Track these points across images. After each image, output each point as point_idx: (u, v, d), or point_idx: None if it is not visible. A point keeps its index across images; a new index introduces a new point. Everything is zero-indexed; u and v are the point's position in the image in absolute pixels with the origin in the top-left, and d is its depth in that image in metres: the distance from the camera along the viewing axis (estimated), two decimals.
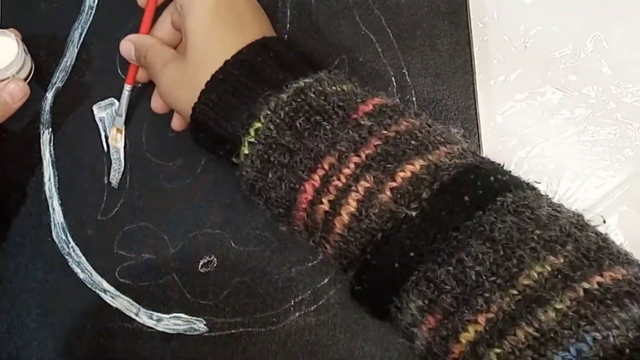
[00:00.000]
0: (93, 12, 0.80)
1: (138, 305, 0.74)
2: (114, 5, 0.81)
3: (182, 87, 0.66)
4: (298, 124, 0.58)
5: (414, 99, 0.74)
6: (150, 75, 0.71)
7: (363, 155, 0.55)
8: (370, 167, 0.55)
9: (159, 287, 0.75)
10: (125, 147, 0.77)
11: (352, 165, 0.55)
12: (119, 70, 0.79)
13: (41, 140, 0.78)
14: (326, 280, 0.74)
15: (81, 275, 0.76)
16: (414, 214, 0.52)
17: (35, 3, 0.81)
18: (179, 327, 0.74)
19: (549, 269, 0.48)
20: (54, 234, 0.76)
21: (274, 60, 0.64)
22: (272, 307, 0.74)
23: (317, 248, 0.60)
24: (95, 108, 0.78)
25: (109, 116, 0.77)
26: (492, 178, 0.53)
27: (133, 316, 0.74)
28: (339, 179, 0.56)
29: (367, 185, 0.55)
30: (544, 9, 0.76)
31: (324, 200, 0.57)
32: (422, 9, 0.76)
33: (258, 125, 0.59)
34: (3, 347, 0.75)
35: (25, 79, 0.76)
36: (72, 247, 0.76)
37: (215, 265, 0.75)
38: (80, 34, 0.80)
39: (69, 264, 0.76)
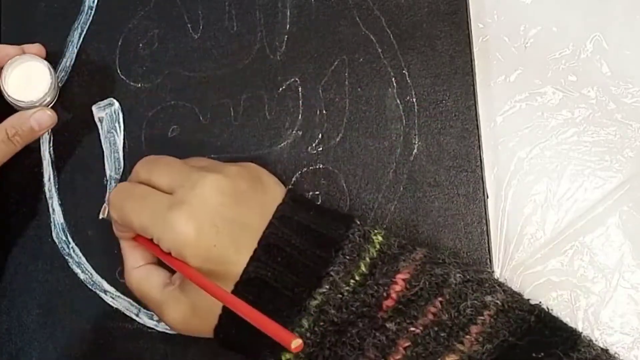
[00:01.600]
0: (93, 12, 0.81)
1: (138, 306, 0.76)
2: (114, 5, 0.81)
3: (197, 321, 0.65)
4: (326, 343, 0.59)
5: (414, 99, 0.75)
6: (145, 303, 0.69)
7: None
8: None
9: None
10: (124, 148, 0.79)
11: None
12: (119, 71, 0.80)
13: (41, 141, 0.79)
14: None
15: (81, 276, 0.77)
16: None
17: (34, 3, 0.82)
18: None
19: None
20: (54, 234, 0.78)
21: (285, 266, 0.62)
22: None
23: None
24: (94, 108, 0.79)
25: (108, 116, 0.79)
26: None
27: (133, 317, 0.76)
28: None
29: None
30: (544, 9, 0.77)
31: None
32: (422, 10, 0.77)
33: (288, 355, 0.60)
34: (3, 347, 0.76)
35: (51, 104, 0.78)
36: (72, 247, 0.77)
37: None
38: (80, 34, 0.81)
39: (69, 264, 0.77)
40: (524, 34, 0.77)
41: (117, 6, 0.81)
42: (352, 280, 0.60)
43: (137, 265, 0.69)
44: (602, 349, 0.56)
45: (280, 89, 0.77)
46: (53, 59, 0.79)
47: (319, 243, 0.63)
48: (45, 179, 0.79)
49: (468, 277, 0.60)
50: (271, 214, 0.64)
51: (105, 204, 0.72)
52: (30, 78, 0.75)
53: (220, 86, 0.78)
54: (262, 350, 0.61)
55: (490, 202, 0.75)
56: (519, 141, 0.76)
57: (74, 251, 0.77)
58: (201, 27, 0.79)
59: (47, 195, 0.79)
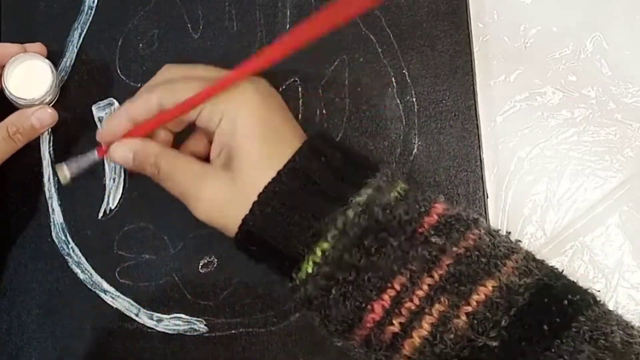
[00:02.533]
0: (92, 12, 0.82)
1: (138, 306, 0.77)
2: (114, 5, 0.82)
3: (231, 205, 0.64)
4: (366, 243, 0.58)
5: (414, 99, 0.76)
6: (171, 188, 0.68)
7: (436, 276, 0.56)
8: (445, 289, 0.56)
9: (159, 287, 0.77)
10: None
11: (425, 287, 0.56)
12: (119, 71, 0.81)
13: (40, 140, 0.79)
14: None
15: (81, 276, 0.78)
16: (494, 343, 0.54)
17: (34, 3, 0.82)
18: (179, 327, 0.76)
19: None
20: (53, 234, 0.78)
21: (328, 166, 0.62)
22: (272, 308, 0.76)
23: None
24: (94, 108, 0.80)
25: (108, 116, 0.80)
26: (565, 301, 0.55)
27: (133, 317, 0.77)
28: (411, 301, 0.56)
29: (442, 309, 0.55)
30: (543, 9, 0.78)
31: (394, 321, 0.57)
32: (422, 10, 0.78)
33: (325, 245, 0.59)
34: (3, 347, 0.77)
35: (51, 101, 0.79)
36: (71, 247, 0.78)
37: (215, 265, 0.77)
38: (80, 35, 0.81)
39: (69, 264, 0.78)
40: (524, 34, 0.78)
41: (117, 6, 0.82)
42: (394, 192, 0.61)
43: (164, 145, 0.70)
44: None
45: (280, 89, 0.78)
46: (53, 59, 0.79)
47: (356, 164, 0.64)
48: (45, 179, 0.79)
49: (493, 229, 0.62)
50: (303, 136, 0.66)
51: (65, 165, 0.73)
52: (32, 76, 0.76)
53: None
54: (291, 247, 0.61)
55: (490, 202, 0.76)
56: (519, 141, 0.77)
57: (73, 251, 0.78)
58: (201, 27, 0.80)
59: (47, 195, 0.79)
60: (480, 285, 0.56)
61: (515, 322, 0.54)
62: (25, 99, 0.75)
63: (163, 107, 0.67)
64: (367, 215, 0.59)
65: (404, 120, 0.76)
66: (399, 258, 0.57)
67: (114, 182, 0.79)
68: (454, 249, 0.57)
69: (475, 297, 0.55)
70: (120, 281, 0.77)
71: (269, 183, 0.61)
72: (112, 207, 0.79)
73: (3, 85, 0.75)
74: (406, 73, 0.77)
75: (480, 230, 0.59)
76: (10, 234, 0.79)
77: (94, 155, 0.72)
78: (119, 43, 0.81)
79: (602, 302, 0.57)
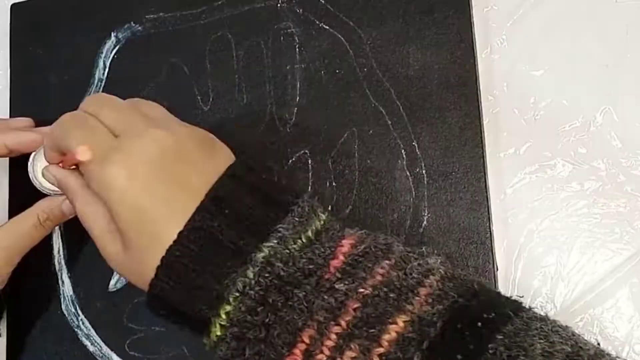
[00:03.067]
0: (102, 84, 0.83)
1: None
2: (124, 77, 0.84)
3: (134, 272, 0.63)
4: (270, 300, 0.57)
5: (423, 171, 0.77)
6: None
7: (344, 324, 0.55)
8: (353, 335, 0.55)
9: None
10: None
11: (333, 336, 0.55)
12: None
13: None
14: None
15: (91, 348, 0.79)
16: None
17: (45, 75, 0.84)
18: None
19: None
20: (63, 306, 0.80)
21: (231, 220, 0.61)
22: None
23: None
24: None
25: None
26: (479, 323, 0.54)
27: None
28: (322, 352, 0.56)
29: (353, 355, 0.54)
30: (553, 81, 0.78)
31: None
32: (431, 82, 0.78)
33: (228, 308, 0.59)
34: None
35: None
36: (81, 319, 0.79)
37: None
38: None
39: (79, 336, 0.79)
40: (533, 106, 0.78)
41: (126, 78, 0.84)
42: (299, 240, 0.60)
43: (83, 184, 0.69)
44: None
45: (290, 161, 0.79)
46: None
47: (268, 204, 0.62)
48: (55, 251, 0.81)
49: (409, 248, 0.61)
50: (217, 177, 0.63)
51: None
52: None
53: None
54: (198, 311, 0.60)
55: (500, 274, 0.76)
56: (529, 213, 0.77)
57: (83, 323, 0.79)
58: (211, 99, 0.81)
59: (57, 268, 0.81)
60: (391, 323, 0.55)
61: (428, 356, 0.53)
62: (55, 191, 0.75)
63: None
64: (268, 273, 0.58)
65: (413, 193, 0.77)
66: (304, 309, 0.57)
67: None
68: (360, 290, 0.57)
69: (386, 336, 0.54)
70: (130, 354, 0.78)
71: (170, 247, 0.59)
72: (122, 279, 0.79)
73: (31, 175, 0.76)
74: (416, 145, 0.77)
75: (390, 261, 0.58)
76: (20, 306, 0.80)
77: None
78: None
79: (526, 309, 0.57)
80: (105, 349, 0.79)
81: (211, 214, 0.60)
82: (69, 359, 0.79)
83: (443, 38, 0.78)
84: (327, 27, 0.81)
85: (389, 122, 0.78)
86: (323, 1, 0.80)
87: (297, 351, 0.57)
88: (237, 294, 0.58)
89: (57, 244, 0.81)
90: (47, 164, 0.73)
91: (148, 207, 0.61)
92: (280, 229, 0.60)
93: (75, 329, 0.79)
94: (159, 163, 0.62)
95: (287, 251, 0.59)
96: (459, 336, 0.54)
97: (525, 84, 0.79)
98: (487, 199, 0.76)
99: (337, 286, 0.57)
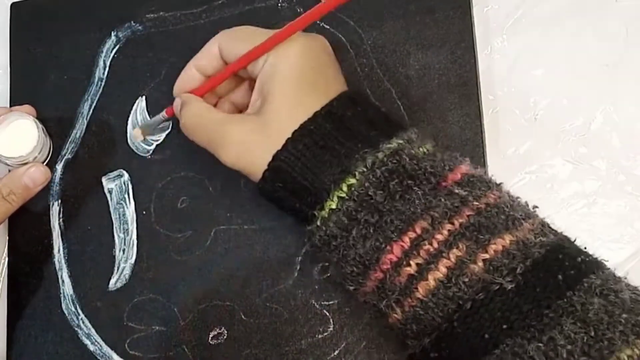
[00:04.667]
0: (103, 84, 0.84)
1: None
2: (124, 77, 0.85)
3: (260, 145, 0.66)
4: (391, 185, 0.61)
5: None
6: (195, 139, 0.72)
7: (457, 223, 0.59)
8: (464, 235, 0.59)
9: (169, 359, 0.79)
10: (134, 219, 0.81)
11: (445, 232, 0.59)
12: (129, 142, 0.83)
13: (50, 212, 0.82)
14: (336, 352, 0.76)
15: (91, 347, 0.79)
16: (509, 286, 0.56)
17: (45, 75, 0.85)
18: None
19: (638, 352, 0.53)
20: (63, 305, 0.80)
21: (362, 116, 0.66)
22: None
23: (380, 312, 0.63)
24: (104, 180, 0.82)
25: (117, 187, 0.81)
26: (578, 259, 0.58)
27: None
28: (430, 244, 0.59)
29: (459, 253, 0.58)
30: (554, 81, 0.79)
31: (411, 262, 0.60)
32: (432, 82, 0.79)
33: (352, 181, 0.62)
34: None
35: (44, 160, 0.81)
36: (81, 319, 0.80)
37: (225, 337, 0.78)
38: (90, 106, 0.84)
39: (79, 335, 0.80)
40: (534, 105, 0.79)
41: (127, 78, 0.85)
42: (422, 148, 0.64)
43: (200, 100, 0.73)
44: None
45: None
46: (63, 130, 0.82)
47: (390, 119, 0.69)
48: (55, 251, 0.82)
49: (514, 195, 0.65)
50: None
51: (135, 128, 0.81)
52: (18, 135, 0.78)
53: None
54: (319, 182, 0.64)
55: None
56: None
57: (83, 322, 0.80)
58: None
59: (57, 267, 0.81)
60: (498, 237, 0.58)
61: (530, 270, 0.57)
62: (13, 158, 0.77)
63: (223, 53, 0.72)
64: (396, 160, 0.62)
65: None
66: (421, 204, 0.60)
67: (123, 253, 0.81)
68: (475, 203, 0.60)
69: (492, 246, 0.58)
70: (130, 353, 0.79)
71: (304, 122, 0.65)
72: (122, 279, 0.81)
73: None
74: None
75: (501, 192, 0.62)
76: (20, 306, 0.81)
77: (162, 114, 0.77)
78: (129, 115, 0.83)
79: (613, 270, 0.60)
80: (105, 348, 0.79)
81: (345, 106, 0.67)
82: (69, 358, 0.80)
83: (443, 38, 0.80)
84: (327, 27, 0.82)
85: None
86: (323, 1, 0.81)
87: (405, 238, 0.60)
88: (365, 169, 0.62)
89: (57, 243, 0.81)
90: (6, 135, 0.77)
91: (311, 79, 0.67)
92: (405, 135, 0.65)
93: (76, 329, 0.80)
94: (311, 58, 0.69)
95: (413, 151, 0.63)
96: (560, 263, 0.58)
97: (525, 83, 0.80)
98: None
99: (456, 191, 0.61)
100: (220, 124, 0.69)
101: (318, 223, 0.64)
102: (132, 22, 0.86)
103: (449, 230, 0.59)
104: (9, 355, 0.81)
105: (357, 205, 0.61)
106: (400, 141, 0.63)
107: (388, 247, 0.60)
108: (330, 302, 0.77)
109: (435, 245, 0.59)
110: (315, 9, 0.66)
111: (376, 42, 0.81)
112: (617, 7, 0.80)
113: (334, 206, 0.62)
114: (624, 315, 0.54)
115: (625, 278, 0.60)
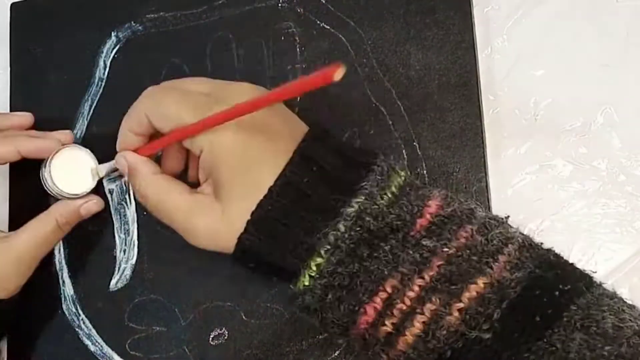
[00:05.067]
0: (103, 84, 0.85)
1: None
2: (124, 77, 0.85)
3: (225, 232, 0.66)
4: (359, 252, 0.61)
5: (424, 171, 0.78)
6: (161, 219, 0.71)
7: (427, 277, 0.59)
8: (436, 289, 0.59)
9: (170, 359, 0.79)
10: (134, 219, 0.82)
11: (416, 288, 0.59)
12: None
13: None
14: (337, 352, 0.77)
15: (92, 348, 0.80)
16: (486, 336, 0.56)
17: (45, 75, 0.85)
18: None
19: None
20: (64, 306, 0.81)
21: (318, 176, 0.65)
22: None
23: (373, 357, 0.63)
24: (104, 180, 0.82)
25: (118, 188, 0.82)
26: (556, 292, 0.58)
27: None
28: (403, 302, 0.59)
29: (433, 307, 0.58)
30: (554, 82, 0.79)
31: (387, 322, 0.60)
32: (432, 82, 0.79)
33: (319, 260, 0.62)
34: None
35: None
36: (82, 319, 0.80)
37: (226, 337, 0.79)
38: (90, 106, 0.84)
39: (80, 336, 0.80)
40: (534, 106, 0.79)
41: (127, 78, 0.85)
42: (385, 196, 0.63)
43: (156, 172, 0.72)
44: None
45: None
46: (63, 130, 0.82)
47: (351, 164, 0.66)
48: (56, 251, 0.82)
49: (490, 215, 0.64)
50: (300, 136, 0.67)
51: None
52: (76, 169, 0.78)
53: None
54: (287, 262, 0.64)
55: None
56: (530, 213, 0.78)
57: (84, 323, 0.80)
58: None
59: (57, 267, 0.82)
60: (472, 283, 0.58)
61: (507, 314, 0.57)
62: (76, 195, 0.77)
63: (150, 118, 0.69)
64: (359, 227, 0.62)
65: None
66: (389, 261, 0.60)
67: (124, 253, 0.81)
68: (445, 249, 0.60)
69: (466, 294, 0.58)
70: (131, 353, 0.80)
71: (261, 200, 0.64)
72: (123, 279, 0.81)
73: (48, 181, 0.77)
74: (417, 145, 0.78)
75: (473, 226, 0.61)
76: (21, 307, 0.81)
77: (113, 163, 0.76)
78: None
79: (597, 284, 0.60)
80: (106, 349, 0.80)
81: (301, 170, 0.65)
82: (69, 358, 0.81)
83: (444, 38, 0.80)
84: (328, 27, 0.82)
85: (390, 122, 0.79)
86: (324, 1, 0.81)
87: (377, 299, 0.60)
88: (329, 247, 0.62)
89: (58, 243, 0.82)
90: (64, 168, 0.76)
91: (255, 156, 0.65)
92: (366, 187, 0.63)
93: (76, 329, 0.81)
94: (247, 130, 0.66)
95: (376, 206, 0.62)
96: (537, 300, 0.57)
97: (526, 84, 0.80)
98: (488, 199, 0.77)
99: (423, 242, 0.61)
100: (185, 216, 0.68)
101: (295, 293, 0.64)
102: (132, 22, 0.87)
103: (419, 285, 0.59)
104: (9, 355, 0.82)
105: (328, 279, 0.62)
106: (361, 199, 0.63)
107: (361, 310, 0.61)
108: None
109: (408, 302, 0.59)
110: (251, 102, 0.64)
111: (376, 42, 0.81)
112: (617, 7, 0.80)
113: (307, 283, 0.63)
114: (607, 348, 0.55)
115: (609, 294, 0.60)
